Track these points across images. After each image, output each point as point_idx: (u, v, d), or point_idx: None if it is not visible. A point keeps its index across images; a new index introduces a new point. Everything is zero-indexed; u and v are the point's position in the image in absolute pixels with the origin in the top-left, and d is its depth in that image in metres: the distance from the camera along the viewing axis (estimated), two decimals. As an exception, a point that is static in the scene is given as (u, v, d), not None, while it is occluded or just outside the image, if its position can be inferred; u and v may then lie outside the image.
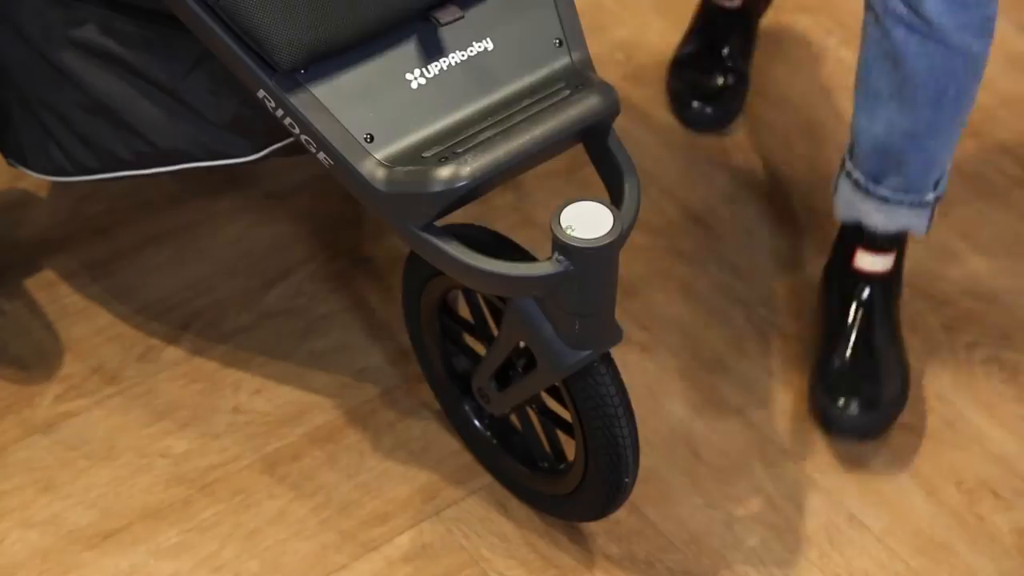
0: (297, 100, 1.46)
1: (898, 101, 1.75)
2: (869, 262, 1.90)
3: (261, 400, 1.88)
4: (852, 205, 1.87)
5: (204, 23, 1.46)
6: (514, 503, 1.79)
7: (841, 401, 1.84)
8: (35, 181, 2.10)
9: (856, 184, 1.85)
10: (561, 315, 1.51)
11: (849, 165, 1.85)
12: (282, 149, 1.65)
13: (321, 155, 1.48)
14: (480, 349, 1.74)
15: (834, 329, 1.89)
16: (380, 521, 1.77)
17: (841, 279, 1.92)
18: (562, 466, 1.73)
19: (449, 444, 1.84)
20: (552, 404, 1.71)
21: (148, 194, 2.10)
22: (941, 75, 1.72)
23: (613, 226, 1.46)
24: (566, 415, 1.67)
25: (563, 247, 1.46)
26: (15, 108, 1.73)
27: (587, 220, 1.47)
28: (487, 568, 1.73)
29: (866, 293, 1.89)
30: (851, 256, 1.91)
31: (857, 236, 1.90)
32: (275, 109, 1.48)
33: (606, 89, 1.51)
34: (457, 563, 1.74)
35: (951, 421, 1.90)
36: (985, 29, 1.70)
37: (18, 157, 1.77)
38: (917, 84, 1.73)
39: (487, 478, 1.81)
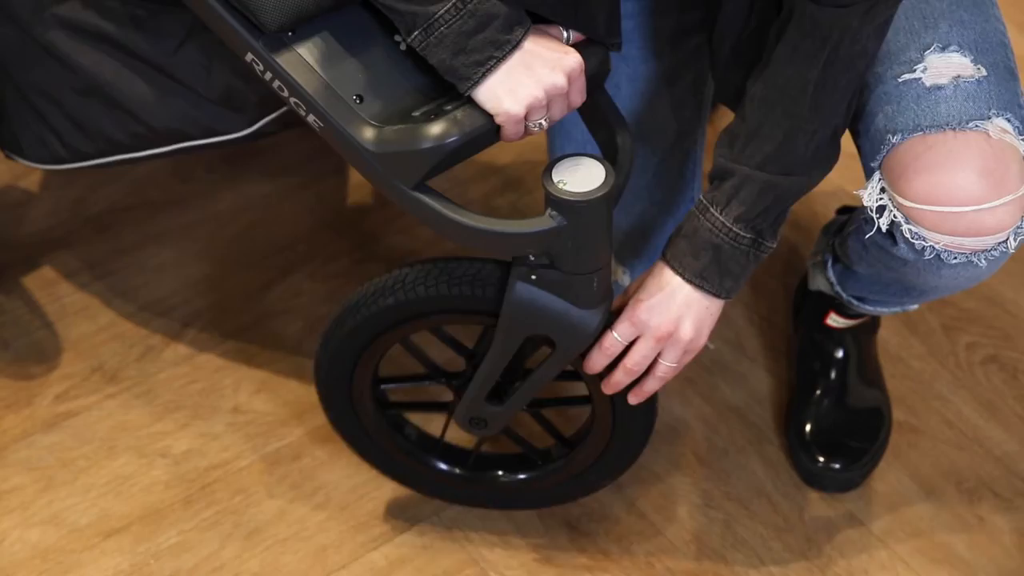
0: (285, 62, 1.44)
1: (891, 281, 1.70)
2: (843, 322, 1.86)
3: (261, 400, 1.88)
4: (830, 289, 1.82)
5: None
6: (514, 503, 1.79)
7: (821, 460, 1.81)
8: (36, 180, 2.10)
9: (838, 295, 1.80)
10: (578, 280, 1.51)
11: (831, 275, 1.79)
12: (276, 123, 1.64)
13: (311, 118, 1.46)
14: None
15: (808, 385, 1.86)
16: (380, 521, 1.77)
17: (813, 333, 1.88)
18: (572, 447, 1.72)
19: (449, 444, 1.84)
20: (547, 395, 1.70)
21: (149, 193, 2.10)
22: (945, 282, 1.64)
23: (605, 179, 1.46)
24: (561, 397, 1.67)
25: (556, 202, 1.45)
26: (9, 97, 1.72)
27: (579, 175, 1.46)
28: (487, 568, 1.73)
29: (840, 352, 1.86)
30: (823, 315, 1.87)
31: (830, 302, 1.85)
32: (263, 72, 1.46)
33: (597, 47, 1.50)
34: (457, 563, 1.74)
35: (951, 421, 1.90)
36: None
37: (14, 148, 1.76)
38: (913, 284, 1.66)
39: (487, 478, 1.81)
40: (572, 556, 1.75)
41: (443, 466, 1.75)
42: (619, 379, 1.56)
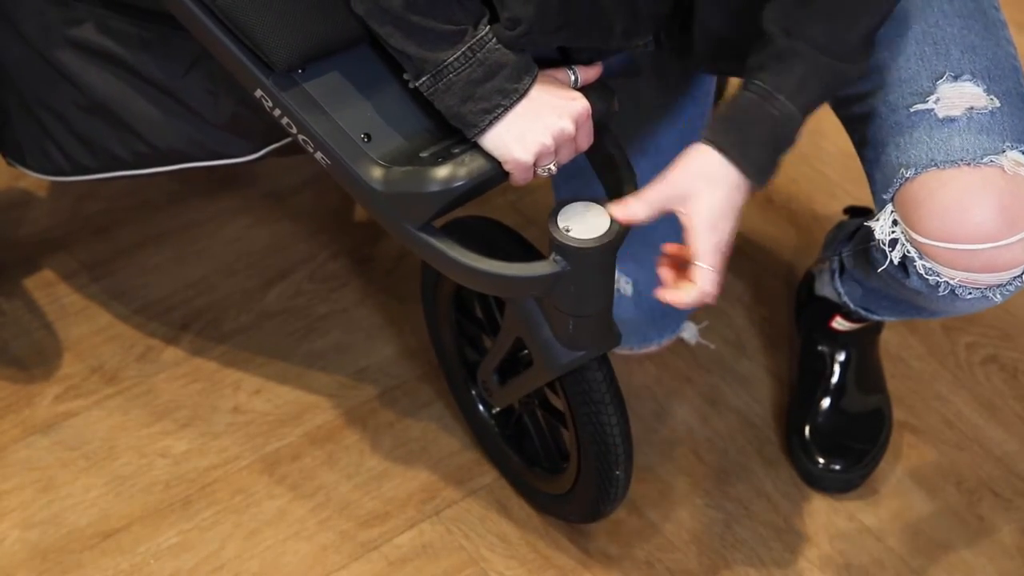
0: (294, 100, 1.46)
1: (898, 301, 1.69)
2: (849, 326, 1.86)
3: (261, 400, 1.88)
4: (837, 299, 1.81)
5: (202, 23, 1.46)
6: (514, 503, 1.79)
7: (821, 461, 1.81)
8: (35, 181, 2.10)
9: (845, 305, 1.79)
10: (556, 315, 1.51)
11: (839, 286, 1.78)
12: (280, 149, 1.65)
13: (318, 155, 1.48)
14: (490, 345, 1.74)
15: (809, 386, 1.86)
16: (380, 521, 1.77)
17: (816, 334, 1.87)
18: (563, 465, 1.73)
19: (448, 444, 1.84)
20: (556, 401, 1.71)
21: (148, 194, 2.10)
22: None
23: (610, 226, 1.46)
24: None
25: (560, 247, 1.46)
26: (14, 108, 1.73)
27: (585, 221, 1.47)
28: (487, 568, 1.73)
29: (843, 354, 1.85)
30: (829, 318, 1.86)
31: (837, 307, 1.84)
32: (272, 108, 1.48)
33: (604, 90, 1.51)
34: (457, 563, 1.74)
35: (951, 421, 1.90)
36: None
37: (17, 157, 1.77)
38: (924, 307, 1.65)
39: (487, 478, 1.81)
40: (572, 556, 1.75)
41: (481, 408, 1.78)
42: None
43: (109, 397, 1.87)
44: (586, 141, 1.48)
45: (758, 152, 1.42)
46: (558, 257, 1.46)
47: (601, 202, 1.49)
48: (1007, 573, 1.76)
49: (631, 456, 1.63)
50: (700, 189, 1.42)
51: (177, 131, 1.64)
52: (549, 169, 1.46)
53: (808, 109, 1.43)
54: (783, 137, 1.43)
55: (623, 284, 1.80)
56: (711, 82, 1.78)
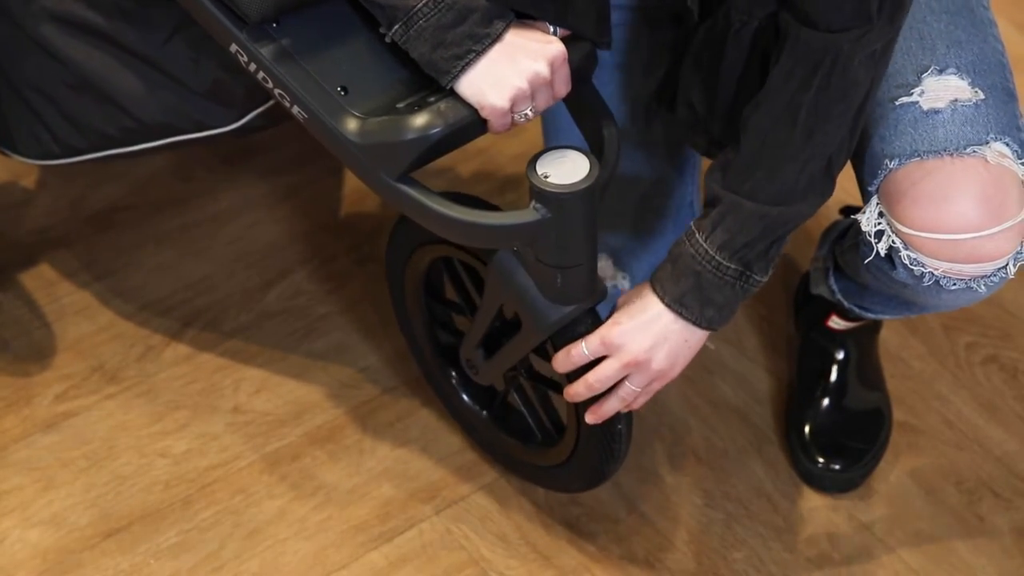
0: (269, 53, 1.45)
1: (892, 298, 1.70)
2: (845, 325, 1.86)
3: (261, 400, 1.88)
4: (831, 296, 1.81)
5: None
6: (514, 503, 1.79)
7: (821, 461, 1.81)
8: (35, 179, 2.10)
9: (839, 303, 1.79)
10: (541, 270, 1.51)
11: (833, 284, 1.78)
12: (264, 116, 1.64)
13: (295, 109, 1.47)
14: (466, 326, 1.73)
15: (809, 385, 1.86)
16: (380, 521, 1.77)
17: (814, 334, 1.88)
18: (558, 435, 1.72)
19: (449, 444, 1.84)
20: (545, 368, 1.69)
21: (149, 193, 2.10)
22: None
23: (589, 171, 1.46)
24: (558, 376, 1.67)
25: (540, 194, 1.45)
26: (3, 93, 1.72)
27: (564, 167, 1.46)
28: (487, 568, 1.73)
29: (841, 353, 1.85)
30: (825, 317, 1.87)
31: (832, 305, 1.84)
32: (248, 63, 1.47)
33: (581, 41, 1.50)
34: (457, 563, 1.74)
35: (951, 421, 1.90)
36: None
37: (7, 143, 1.76)
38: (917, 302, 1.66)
39: (487, 478, 1.81)
40: (572, 556, 1.75)
41: (465, 396, 1.78)
42: (578, 390, 1.56)
43: (109, 397, 1.87)
44: (563, 87, 1.46)
45: (674, 286, 1.49)
46: (538, 205, 1.46)
47: (580, 149, 1.48)
48: (1007, 573, 1.76)
49: (631, 413, 1.62)
50: (626, 301, 1.53)
51: (161, 102, 1.64)
52: (526, 115, 1.45)
53: (733, 252, 1.47)
54: (707, 280, 1.48)
55: (619, 279, 1.80)
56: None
